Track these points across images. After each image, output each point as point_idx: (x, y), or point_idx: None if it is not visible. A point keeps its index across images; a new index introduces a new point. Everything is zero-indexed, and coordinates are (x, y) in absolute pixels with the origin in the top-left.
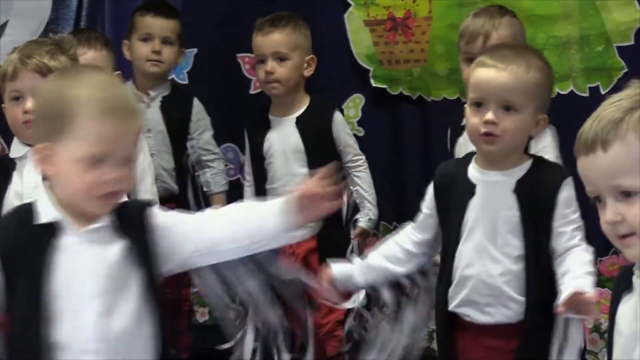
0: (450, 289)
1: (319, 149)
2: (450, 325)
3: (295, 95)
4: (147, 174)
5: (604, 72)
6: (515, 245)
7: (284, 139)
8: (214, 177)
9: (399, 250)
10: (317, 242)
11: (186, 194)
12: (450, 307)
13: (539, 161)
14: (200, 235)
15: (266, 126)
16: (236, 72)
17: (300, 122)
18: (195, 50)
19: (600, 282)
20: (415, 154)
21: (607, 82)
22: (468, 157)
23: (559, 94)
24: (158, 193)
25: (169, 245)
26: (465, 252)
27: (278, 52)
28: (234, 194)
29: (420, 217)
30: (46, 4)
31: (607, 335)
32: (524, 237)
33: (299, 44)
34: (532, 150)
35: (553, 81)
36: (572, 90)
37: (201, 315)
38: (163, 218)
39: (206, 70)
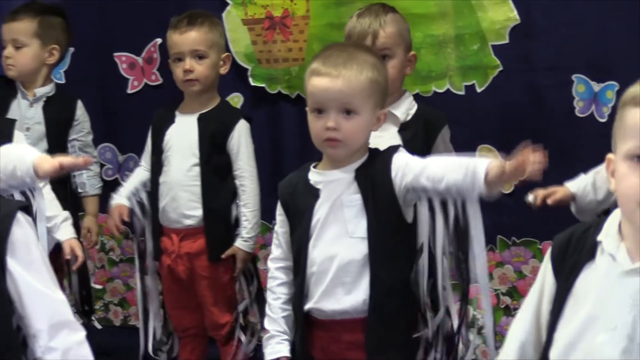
0: (307, 288)
1: (214, 149)
2: (307, 325)
3: (208, 93)
4: None
5: (480, 70)
6: (363, 227)
7: (183, 135)
8: (89, 180)
9: (280, 309)
10: (206, 242)
11: (62, 192)
12: (309, 306)
13: (374, 152)
14: None
15: (170, 121)
16: (113, 71)
17: (202, 120)
18: (72, 49)
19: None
20: (294, 153)
21: (483, 81)
22: (305, 166)
23: (435, 92)
24: None
25: None
26: (319, 249)
27: (196, 50)
28: (110, 193)
29: (280, 239)
30: None
31: (555, 303)
32: (367, 216)
33: (216, 42)
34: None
35: (387, 74)
36: (448, 89)
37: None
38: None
39: (83, 70)
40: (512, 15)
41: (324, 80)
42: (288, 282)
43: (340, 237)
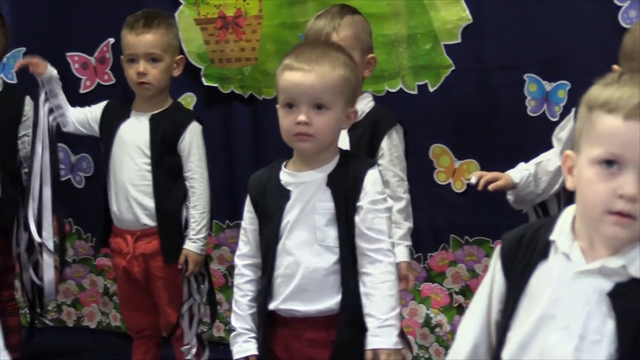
0: (273, 289)
1: (166, 150)
2: (270, 322)
3: (161, 95)
4: None
5: (432, 70)
6: (333, 236)
7: (135, 134)
8: None
9: (247, 306)
10: (160, 243)
11: (10, 190)
12: (273, 306)
13: (346, 154)
14: None
15: (125, 115)
16: (66, 71)
17: (153, 120)
18: (23, 49)
19: (429, 278)
20: (247, 152)
21: (435, 80)
22: (276, 164)
23: (388, 92)
24: None
25: None
26: (287, 252)
27: (151, 54)
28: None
29: (249, 236)
30: None
31: (509, 302)
32: (338, 226)
33: (171, 45)
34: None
35: (359, 74)
36: (401, 88)
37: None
38: None
39: None
40: (464, 15)
41: (297, 75)
42: (255, 279)
43: (309, 243)
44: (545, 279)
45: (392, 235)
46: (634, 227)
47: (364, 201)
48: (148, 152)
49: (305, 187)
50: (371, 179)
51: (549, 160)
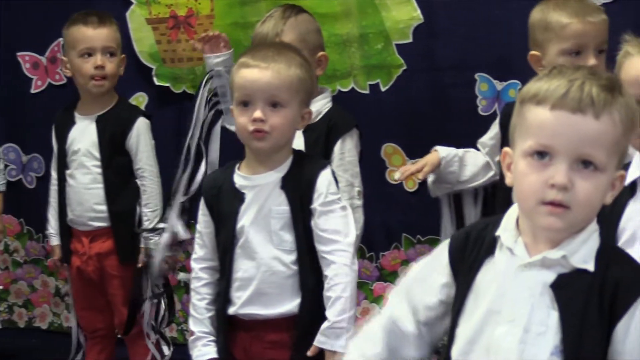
0: (232, 293)
1: (115, 151)
2: (230, 327)
3: (108, 93)
4: None
5: (384, 69)
6: (289, 239)
7: (84, 137)
8: None
9: (205, 310)
10: (115, 243)
11: None
12: (233, 311)
13: (300, 155)
14: None
15: (71, 122)
16: (16, 71)
17: (99, 122)
18: None
19: (382, 277)
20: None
21: (387, 80)
22: (230, 165)
23: (340, 91)
24: None
25: None
26: (244, 256)
27: (109, 47)
28: (14, 194)
29: (204, 239)
30: None
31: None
32: (295, 230)
33: (119, 43)
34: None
35: (314, 77)
36: (353, 88)
37: None
38: None
39: None
40: (415, 14)
41: (253, 71)
42: (212, 282)
43: (266, 246)
44: (491, 274)
45: (350, 234)
46: (568, 216)
47: (317, 203)
48: (98, 155)
49: (260, 190)
50: (324, 181)
51: (477, 153)
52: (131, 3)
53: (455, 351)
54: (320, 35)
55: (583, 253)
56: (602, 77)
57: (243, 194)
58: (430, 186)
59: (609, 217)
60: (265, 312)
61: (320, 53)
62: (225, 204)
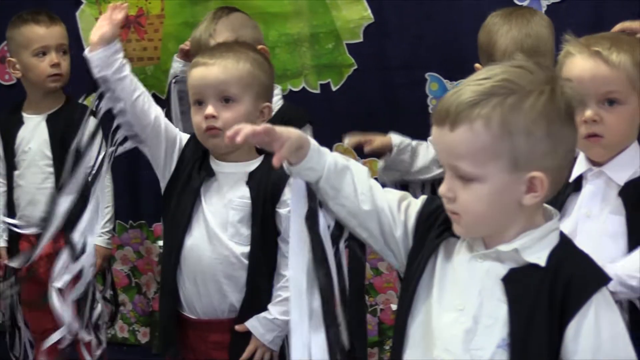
0: (180, 283)
1: (66, 148)
2: (177, 324)
3: (57, 92)
4: None
5: (335, 69)
6: (245, 233)
7: (34, 137)
8: None
9: None
10: (65, 243)
11: None
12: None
13: (270, 156)
14: None
15: (19, 122)
16: None
17: (50, 120)
18: None
19: None
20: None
21: (338, 79)
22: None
23: (291, 90)
24: None
25: None
26: (194, 242)
27: (62, 45)
28: None
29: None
30: None
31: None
32: (252, 226)
33: (67, 42)
34: None
35: (271, 72)
36: (304, 87)
37: None
38: None
39: None
40: (366, 14)
41: (201, 69)
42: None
43: (220, 235)
44: (445, 263)
45: None
46: (461, 222)
47: (283, 208)
48: (49, 154)
49: (225, 177)
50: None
51: (429, 147)
52: (81, 3)
53: (409, 336)
54: (257, 30)
55: (536, 249)
56: (486, 84)
57: (214, 172)
58: (379, 172)
59: None
60: (210, 305)
61: (259, 46)
62: (194, 171)
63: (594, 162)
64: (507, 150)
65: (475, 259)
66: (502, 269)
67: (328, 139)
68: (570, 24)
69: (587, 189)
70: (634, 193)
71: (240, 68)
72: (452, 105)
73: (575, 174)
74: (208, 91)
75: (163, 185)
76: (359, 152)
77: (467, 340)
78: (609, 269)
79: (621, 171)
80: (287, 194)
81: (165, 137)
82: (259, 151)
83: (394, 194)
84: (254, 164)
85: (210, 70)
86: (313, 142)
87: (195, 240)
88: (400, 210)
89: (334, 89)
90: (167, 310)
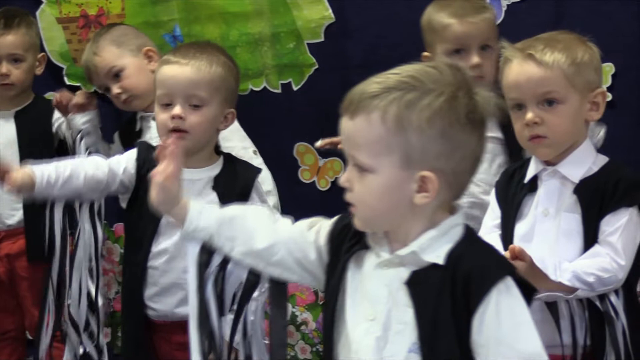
0: (145, 289)
1: (35, 144)
2: (142, 325)
3: (23, 93)
4: None
5: (296, 68)
6: None
7: (0, 133)
8: None
9: None
10: (26, 243)
11: None
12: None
13: (229, 158)
14: None
15: None
16: None
17: (18, 118)
18: None
19: None
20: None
21: (299, 79)
22: None
23: (252, 90)
24: None
25: None
26: (161, 247)
27: (13, 54)
28: None
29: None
30: None
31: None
32: None
33: (32, 44)
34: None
35: (239, 77)
36: (265, 87)
37: None
38: None
39: None
40: (326, 13)
41: (173, 68)
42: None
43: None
44: (358, 272)
45: None
46: (358, 214)
47: (253, 199)
48: (17, 151)
49: (188, 184)
50: (259, 188)
51: None
52: (41, 2)
53: (337, 350)
54: (141, 35)
55: (435, 247)
56: (393, 78)
57: None
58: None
59: (507, 213)
60: (173, 309)
61: (145, 48)
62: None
63: (548, 162)
64: (400, 145)
65: (380, 267)
66: (405, 273)
67: (289, 139)
68: (531, 24)
69: (543, 188)
70: (588, 190)
71: (212, 71)
72: (356, 95)
73: (529, 174)
74: (177, 91)
75: (126, 196)
76: (320, 153)
77: (379, 349)
78: (566, 265)
79: (575, 168)
80: (255, 196)
81: (119, 172)
82: (217, 151)
83: (304, 221)
84: (216, 167)
85: (182, 70)
86: (193, 205)
87: (164, 247)
88: (310, 232)
89: (295, 88)
90: (134, 317)
